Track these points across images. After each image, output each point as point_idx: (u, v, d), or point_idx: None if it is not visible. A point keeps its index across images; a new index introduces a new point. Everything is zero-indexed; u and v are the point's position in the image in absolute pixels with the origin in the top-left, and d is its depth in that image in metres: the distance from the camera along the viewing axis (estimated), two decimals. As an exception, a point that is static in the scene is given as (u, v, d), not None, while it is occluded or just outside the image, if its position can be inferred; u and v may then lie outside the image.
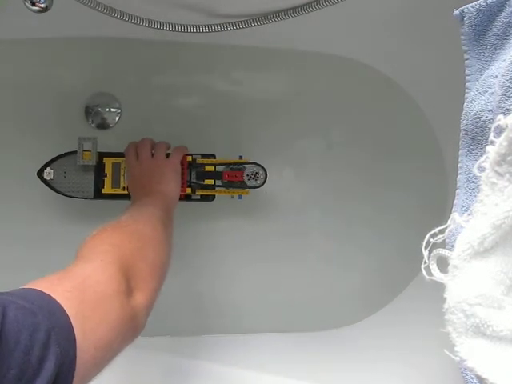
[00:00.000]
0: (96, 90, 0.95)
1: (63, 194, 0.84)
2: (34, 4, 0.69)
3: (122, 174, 0.84)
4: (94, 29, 0.90)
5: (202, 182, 0.86)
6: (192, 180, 0.85)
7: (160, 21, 0.75)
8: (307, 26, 0.85)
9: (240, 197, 0.89)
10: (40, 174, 0.83)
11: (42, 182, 0.84)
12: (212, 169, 0.86)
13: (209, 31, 0.77)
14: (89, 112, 0.95)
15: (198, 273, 0.96)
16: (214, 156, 0.88)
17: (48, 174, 0.83)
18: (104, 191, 0.84)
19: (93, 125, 0.96)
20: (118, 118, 0.96)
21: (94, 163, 0.83)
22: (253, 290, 0.97)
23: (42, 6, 0.69)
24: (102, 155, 0.85)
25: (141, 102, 0.97)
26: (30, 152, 0.91)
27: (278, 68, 1.00)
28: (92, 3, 0.69)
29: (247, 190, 0.87)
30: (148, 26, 0.75)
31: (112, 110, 0.96)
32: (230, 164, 0.87)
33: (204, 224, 0.97)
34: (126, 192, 0.84)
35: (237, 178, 0.86)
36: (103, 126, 0.96)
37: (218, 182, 0.86)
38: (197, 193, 0.86)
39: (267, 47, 0.96)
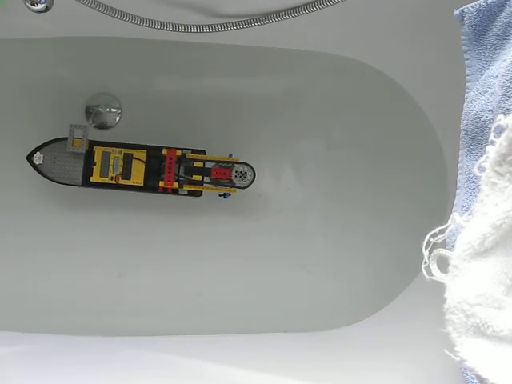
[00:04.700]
0: (96, 90, 0.95)
1: (51, 180, 0.85)
2: (34, 4, 0.69)
3: (111, 163, 0.85)
4: (94, 29, 0.90)
5: (189, 178, 0.86)
6: (180, 175, 0.86)
7: (160, 21, 0.75)
8: (307, 26, 0.85)
9: (228, 194, 0.90)
10: (30, 157, 0.84)
11: (31, 167, 0.84)
12: (201, 165, 0.87)
13: (209, 31, 0.77)
14: (89, 112, 0.95)
15: (194, 272, 0.96)
16: (204, 152, 0.88)
17: (38, 158, 0.84)
18: (92, 179, 0.85)
19: (93, 125, 0.96)
20: (118, 118, 0.96)
21: (84, 151, 0.84)
22: (251, 289, 0.97)
23: (42, 5, 0.69)
24: (92, 143, 0.86)
25: (141, 102, 0.97)
26: (26, 143, 0.91)
27: (277, 68, 1.00)
28: (92, 3, 0.69)
29: (235, 188, 0.88)
30: (148, 26, 0.75)
31: (112, 110, 0.96)
32: (219, 161, 0.88)
33: (194, 220, 0.97)
34: (113, 182, 0.84)
35: (225, 175, 0.86)
36: (103, 126, 0.96)
37: (206, 179, 0.87)
38: (184, 188, 0.87)
39: (267, 47, 0.96)
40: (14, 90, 0.94)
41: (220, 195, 0.90)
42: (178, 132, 0.96)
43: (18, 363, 0.72)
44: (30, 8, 0.70)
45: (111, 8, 0.72)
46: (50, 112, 0.94)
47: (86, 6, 0.69)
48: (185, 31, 0.76)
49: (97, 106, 0.96)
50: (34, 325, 0.87)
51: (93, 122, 0.96)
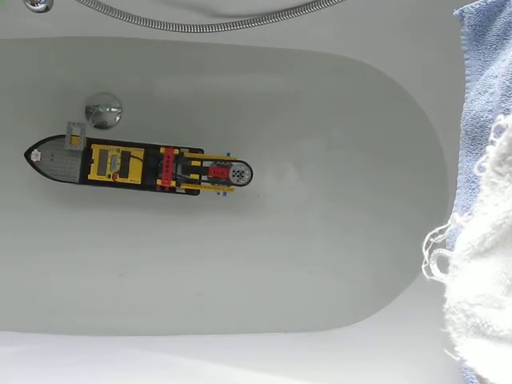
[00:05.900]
0: (96, 90, 0.95)
1: (49, 177, 0.85)
2: (34, 4, 0.69)
3: (108, 161, 0.85)
4: (94, 29, 0.90)
5: (187, 176, 0.86)
6: (178, 173, 0.86)
7: (160, 21, 0.75)
8: (307, 26, 0.85)
9: (225, 194, 0.90)
10: (27, 155, 0.84)
11: (28, 164, 0.84)
12: (198, 164, 0.87)
13: (209, 31, 0.77)
14: (89, 112, 0.95)
15: (194, 272, 0.96)
16: (201, 151, 0.88)
17: (35, 155, 0.84)
18: (89, 177, 0.85)
19: (93, 124, 0.96)
20: (118, 118, 0.96)
21: (82, 148, 0.84)
22: (251, 289, 0.97)
23: (42, 5, 0.69)
24: (90, 141, 0.86)
25: (141, 102, 0.97)
26: (26, 143, 0.91)
27: (278, 68, 1.00)
28: (92, 3, 0.69)
29: (232, 187, 0.88)
30: (148, 26, 0.75)
31: (112, 109, 0.96)
32: (216, 160, 0.88)
33: (193, 219, 0.97)
34: (111, 180, 0.84)
35: (222, 174, 0.87)
36: (103, 125, 0.96)
37: (204, 178, 0.87)
38: (181, 186, 0.87)
39: (267, 47, 0.96)
40: (13, 90, 0.94)
41: (218, 193, 0.90)
42: (178, 132, 0.96)
43: (18, 363, 0.72)
44: (30, 8, 0.70)
45: (111, 8, 0.72)
46: (50, 112, 0.94)
47: (86, 5, 0.69)
48: (185, 31, 0.76)
49: (97, 105, 0.95)
50: (34, 325, 0.87)
51: (93, 122, 0.95)
